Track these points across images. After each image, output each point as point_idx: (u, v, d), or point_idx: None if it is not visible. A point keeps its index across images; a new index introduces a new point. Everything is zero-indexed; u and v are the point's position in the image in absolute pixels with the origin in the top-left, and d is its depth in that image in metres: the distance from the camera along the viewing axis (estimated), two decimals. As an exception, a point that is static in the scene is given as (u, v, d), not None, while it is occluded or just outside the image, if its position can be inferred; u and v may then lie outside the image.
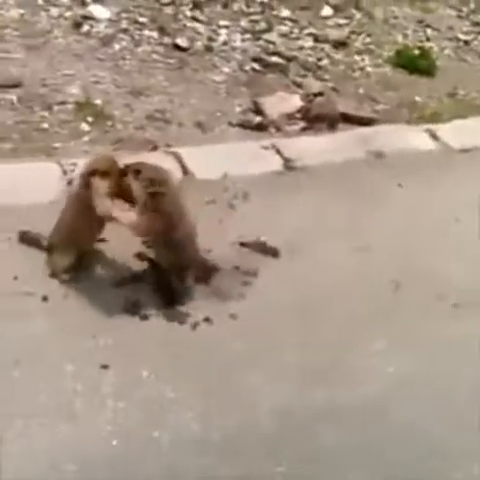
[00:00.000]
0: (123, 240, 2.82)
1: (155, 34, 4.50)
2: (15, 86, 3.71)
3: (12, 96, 3.65)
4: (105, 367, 2.45)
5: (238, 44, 4.57)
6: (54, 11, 4.44)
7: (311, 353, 2.64)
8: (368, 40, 4.80)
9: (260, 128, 3.82)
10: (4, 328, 2.50)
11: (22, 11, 4.36)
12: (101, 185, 2.62)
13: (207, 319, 2.68)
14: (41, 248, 2.82)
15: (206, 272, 2.83)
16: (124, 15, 4.61)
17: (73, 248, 2.76)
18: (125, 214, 2.61)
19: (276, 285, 2.89)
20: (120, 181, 2.65)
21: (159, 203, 2.57)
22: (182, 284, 2.75)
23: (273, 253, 3.03)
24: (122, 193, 2.66)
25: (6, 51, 3.97)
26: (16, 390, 2.34)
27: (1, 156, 3.28)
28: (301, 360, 2.61)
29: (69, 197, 2.81)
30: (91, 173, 2.64)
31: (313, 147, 3.70)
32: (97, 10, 4.56)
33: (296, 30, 4.75)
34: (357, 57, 4.62)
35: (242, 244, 3.03)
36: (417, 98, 4.34)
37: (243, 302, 2.79)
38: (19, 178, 3.12)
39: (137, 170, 2.59)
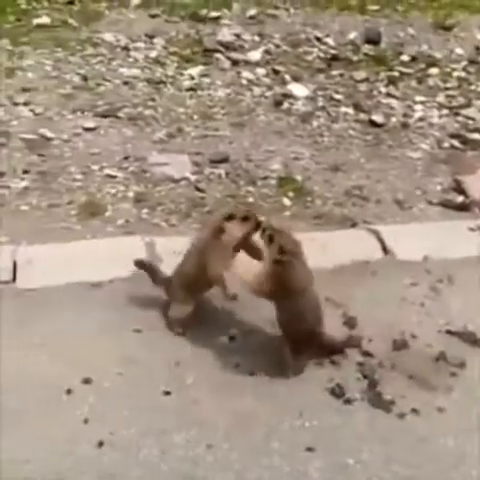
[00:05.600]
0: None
1: (351, 110, 4.61)
2: (223, 161, 3.97)
3: (220, 171, 3.90)
4: (311, 450, 2.44)
5: (435, 120, 4.53)
6: (257, 90, 4.74)
7: None
8: None
9: (463, 208, 3.71)
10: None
11: (228, 91, 4.70)
12: (235, 230, 2.69)
13: (414, 410, 2.58)
14: (156, 282, 2.92)
15: (330, 350, 2.77)
16: (320, 92, 4.79)
17: (191, 296, 2.83)
18: (247, 273, 2.64)
19: (486, 379, 2.73)
20: (252, 233, 2.71)
21: (284, 271, 2.58)
22: (295, 357, 2.69)
23: (482, 344, 2.88)
24: (248, 246, 2.73)
25: (215, 129, 4.28)
26: (220, 467, 2.37)
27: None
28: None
29: (193, 247, 2.85)
30: (229, 218, 2.71)
31: (522, 230, 3.51)
32: (296, 88, 4.79)
33: (498, 105, 4.64)
34: None
35: (449, 332, 2.91)
36: None
37: (451, 395, 2.66)
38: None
39: (271, 235, 2.61)
